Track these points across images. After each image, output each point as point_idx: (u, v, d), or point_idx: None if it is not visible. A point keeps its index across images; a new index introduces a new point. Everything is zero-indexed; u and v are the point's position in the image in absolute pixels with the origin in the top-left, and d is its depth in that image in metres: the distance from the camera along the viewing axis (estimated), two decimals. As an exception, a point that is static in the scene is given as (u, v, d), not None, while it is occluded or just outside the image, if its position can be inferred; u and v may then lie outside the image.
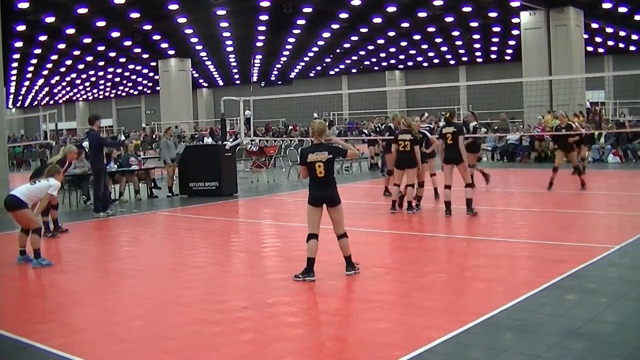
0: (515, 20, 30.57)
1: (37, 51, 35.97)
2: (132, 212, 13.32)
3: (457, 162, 10.56)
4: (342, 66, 50.30)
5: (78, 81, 53.28)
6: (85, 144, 20.63)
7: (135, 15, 27.35)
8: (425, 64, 48.98)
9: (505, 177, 18.71)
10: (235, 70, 49.52)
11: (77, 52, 37.73)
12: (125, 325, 5.54)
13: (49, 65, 42.46)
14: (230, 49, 39.69)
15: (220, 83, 56.01)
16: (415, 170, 11.11)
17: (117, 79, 53.33)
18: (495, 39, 38.69)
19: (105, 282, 7.42)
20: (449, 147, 10.62)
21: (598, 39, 37.20)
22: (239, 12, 29.09)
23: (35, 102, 62.69)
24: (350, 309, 5.97)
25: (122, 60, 42.18)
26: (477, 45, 41.40)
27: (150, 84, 54.15)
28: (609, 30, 34.31)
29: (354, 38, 37.41)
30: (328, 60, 46.48)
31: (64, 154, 10.13)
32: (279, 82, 49.68)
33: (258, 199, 15.14)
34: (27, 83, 51.04)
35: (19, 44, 31.87)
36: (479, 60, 46.01)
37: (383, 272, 7.10)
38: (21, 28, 27.17)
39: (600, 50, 40.36)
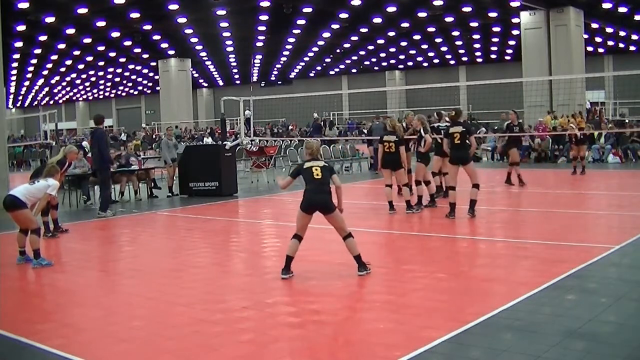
0: (515, 20, 30.59)
1: (37, 51, 36.00)
2: (132, 212, 13.32)
3: (465, 161, 10.45)
4: (342, 66, 50.32)
5: (78, 81, 53.32)
6: (85, 143, 20.57)
7: (135, 15, 27.37)
8: (425, 64, 49.00)
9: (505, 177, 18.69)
10: (235, 70, 49.54)
11: (77, 52, 37.76)
12: (125, 325, 5.54)
13: (49, 65, 42.48)
14: (230, 49, 39.71)
15: (220, 83, 56.03)
16: (403, 171, 11.16)
17: (117, 79, 53.35)
18: (495, 39, 38.70)
19: (106, 282, 7.42)
20: (456, 146, 10.42)
21: (598, 39, 37.21)
22: (239, 12, 29.12)
23: (35, 102, 62.70)
24: (350, 309, 5.97)
25: (122, 60, 42.21)
26: (477, 45, 41.41)
27: (150, 84, 54.17)
28: (609, 30, 34.32)
29: (354, 38, 37.43)
30: (328, 60, 46.48)
31: (64, 154, 10.11)
32: (279, 82, 49.68)
33: (258, 199, 15.14)
34: (27, 83, 51.05)
35: (19, 44, 31.89)
36: (479, 60, 46.02)
37: (383, 272, 7.10)
38: (21, 28, 27.19)
39: (600, 50, 40.37)
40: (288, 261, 6.78)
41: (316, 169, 6.84)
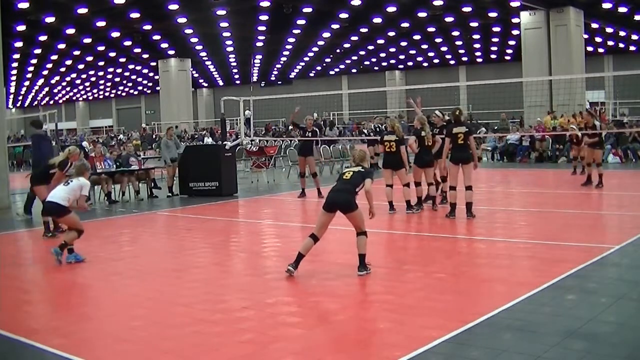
0: (515, 20, 30.57)
1: (37, 51, 35.97)
2: (132, 212, 13.32)
3: (466, 161, 10.45)
4: (342, 66, 50.28)
5: (78, 81, 53.26)
6: (85, 144, 20.49)
7: (135, 15, 27.35)
8: (425, 64, 48.96)
9: (506, 177, 18.72)
10: (235, 70, 49.51)
11: (77, 52, 37.73)
12: (125, 325, 5.54)
13: (49, 65, 42.44)
14: (230, 49, 39.68)
15: (220, 83, 55.99)
16: (404, 171, 11.23)
17: (117, 79, 53.31)
18: (495, 39, 38.67)
19: (105, 282, 7.40)
20: (459, 147, 10.43)
21: (598, 39, 37.18)
22: (239, 12, 29.10)
23: (35, 102, 62.67)
24: (350, 309, 5.96)
25: (122, 60, 42.18)
26: (477, 45, 41.37)
27: (150, 84, 54.13)
28: (609, 30, 34.29)
29: (354, 38, 37.40)
30: (328, 60, 46.45)
31: (68, 154, 10.05)
32: (279, 82, 49.65)
33: (258, 199, 15.14)
34: (27, 83, 51.01)
35: (19, 44, 31.87)
36: (479, 60, 46.00)
37: (383, 272, 7.10)
38: (21, 28, 27.17)
39: (600, 50, 40.33)
40: (298, 257, 6.82)
41: (349, 172, 7.08)
